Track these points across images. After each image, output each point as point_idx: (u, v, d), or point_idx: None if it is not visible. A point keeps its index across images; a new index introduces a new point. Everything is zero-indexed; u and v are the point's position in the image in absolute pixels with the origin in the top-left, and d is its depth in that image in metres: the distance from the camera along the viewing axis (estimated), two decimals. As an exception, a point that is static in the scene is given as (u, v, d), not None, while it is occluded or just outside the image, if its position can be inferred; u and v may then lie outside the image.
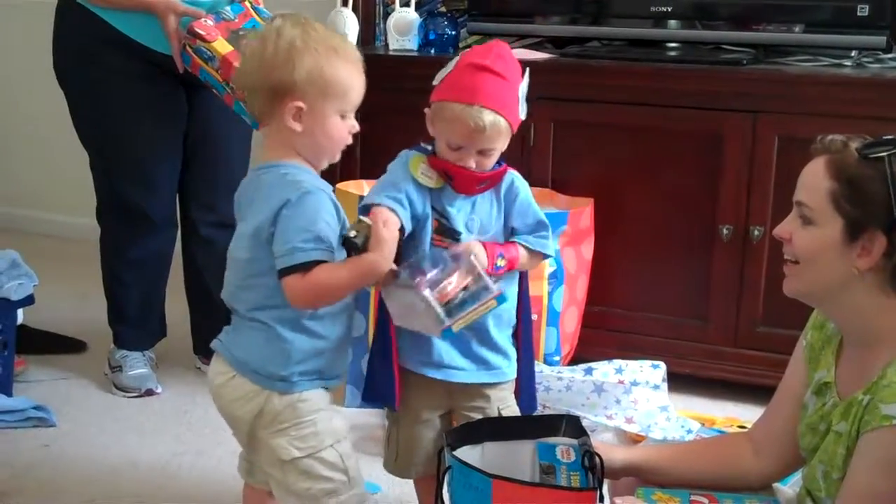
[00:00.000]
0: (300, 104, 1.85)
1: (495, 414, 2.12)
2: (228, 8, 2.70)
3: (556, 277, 2.87)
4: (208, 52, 2.62)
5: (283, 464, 1.93)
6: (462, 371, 2.09)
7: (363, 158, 3.08)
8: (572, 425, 2.02)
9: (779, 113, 2.85)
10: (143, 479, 2.60)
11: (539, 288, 2.85)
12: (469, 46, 3.49)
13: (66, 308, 3.72)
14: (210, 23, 2.63)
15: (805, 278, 1.70)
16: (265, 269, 1.86)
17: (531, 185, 3.04)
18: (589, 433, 2.03)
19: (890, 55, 3.04)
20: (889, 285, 1.63)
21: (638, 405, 2.69)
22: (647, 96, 3.00)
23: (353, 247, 1.84)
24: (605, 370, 2.77)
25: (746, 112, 2.87)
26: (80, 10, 2.81)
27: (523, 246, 2.08)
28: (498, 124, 1.97)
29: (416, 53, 3.38)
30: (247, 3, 2.72)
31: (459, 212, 2.05)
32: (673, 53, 3.20)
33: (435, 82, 2.04)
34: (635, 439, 2.68)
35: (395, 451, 2.18)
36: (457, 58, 2.04)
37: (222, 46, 2.61)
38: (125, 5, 2.76)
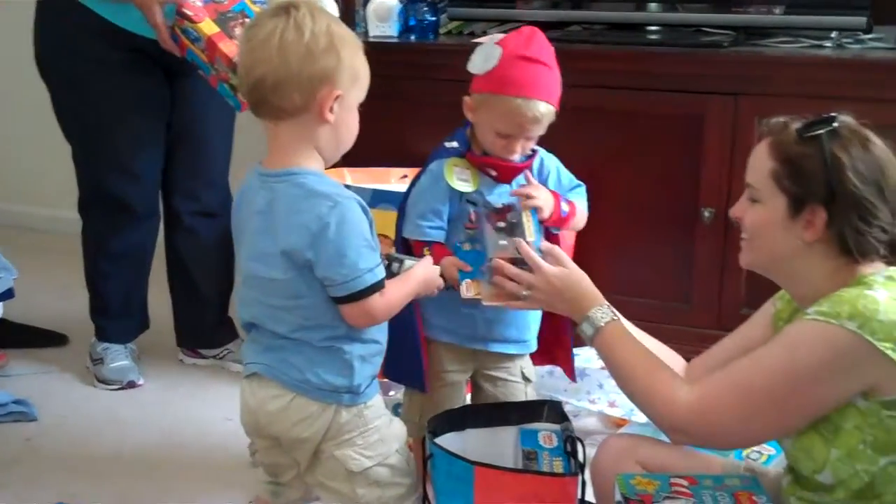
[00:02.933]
0: (340, 92, 1.77)
1: (519, 376, 2.21)
2: None
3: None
4: (195, 33, 2.60)
5: (351, 476, 1.86)
6: (495, 343, 2.16)
7: (344, 146, 3.08)
8: (554, 411, 2.02)
9: (760, 95, 2.84)
10: (127, 472, 2.59)
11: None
12: (450, 32, 3.49)
13: (47, 301, 3.71)
14: (199, 3, 2.61)
15: (756, 251, 1.78)
16: (303, 290, 1.78)
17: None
18: (571, 418, 2.03)
19: (870, 36, 3.03)
20: (835, 252, 1.69)
21: (621, 389, 2.69)
22: (628, 80, 2.98)
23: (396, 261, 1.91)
24: (587, 355, 2.76)
25: (727, 94, 2.86)
26: None
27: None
28: (551, 113, 2.06)
29: (396, 40, 3.36)
30: None
31: (500, 198, 2.12)
32: (654, 37, 3.19)
33: (475, 71, 2.08)
34: (618, 423, 2.68)
35: (419, 412, 2.18)
36: (494, 47, 2.06)
37: (209, 27, 2.58)
38: None
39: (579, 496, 1.83)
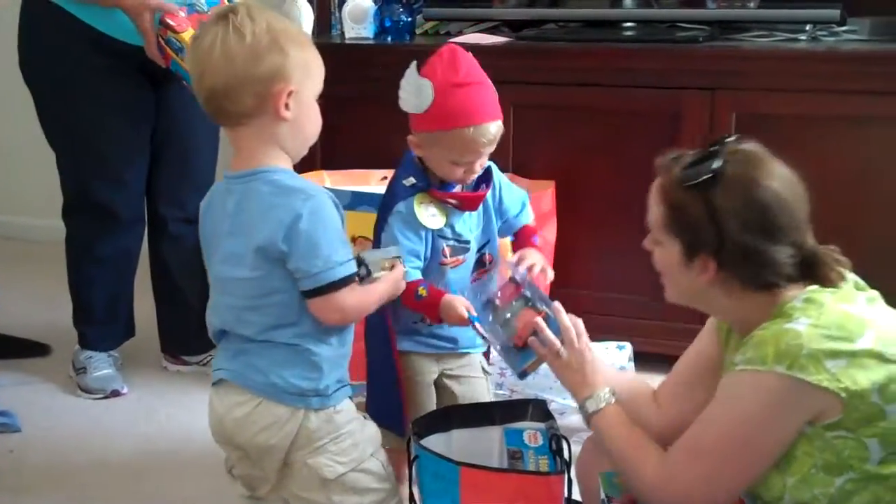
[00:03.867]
0: (293, 87, 1.75)
1: (479, 371, 2.27)
2: (203, 1, 2.69)
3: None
4: (178, 43, 2.60)
5: (326, 483, 1.83)
6: (453, 344, 2.22)
7: (323, 148, 3.07)
8: (539, 409, 2.02)
9: (736, 89, 2.85)
10: (112, 482, 2.58)
11: (507, 268, 2.85)
12: (426, 33, 3.50)
13: (29, 311, 3.69)
14: (183, 14, 2.62)
15: (671, 288, 1.81)
16: (275, 287, 1.76)
17: (491, 169, 3.07)
18: (556, 416, 2.03)
19: (844, 28, 3.05)
20: (741, 287, 1.70)
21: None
22: (604, 77, 3.00)
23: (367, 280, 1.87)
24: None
25: (704, 89, 2.87)
26: (47, 4, 2.77)
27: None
28: (501, 129, 2.06)
29: (372, 41, 3.36)
30: None
31: (466, 224, 2.15)
32: (629, 33, 3.20)
33: (410, 110, 2.06)
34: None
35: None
36: (421, 80, 2.04)
37: (191, 38, 2.58)
38: (97, 2, 2.71)
39: (566, 494, 1.84)
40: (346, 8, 3.37)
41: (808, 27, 3.06)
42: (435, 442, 1.94)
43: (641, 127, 2.95)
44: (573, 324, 1.91)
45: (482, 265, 2.21)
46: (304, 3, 3.32)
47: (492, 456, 1.98)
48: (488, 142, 2.04)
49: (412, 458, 1.91)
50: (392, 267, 1.91)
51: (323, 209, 1.75)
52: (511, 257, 2.15)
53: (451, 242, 2.13)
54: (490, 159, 2.13)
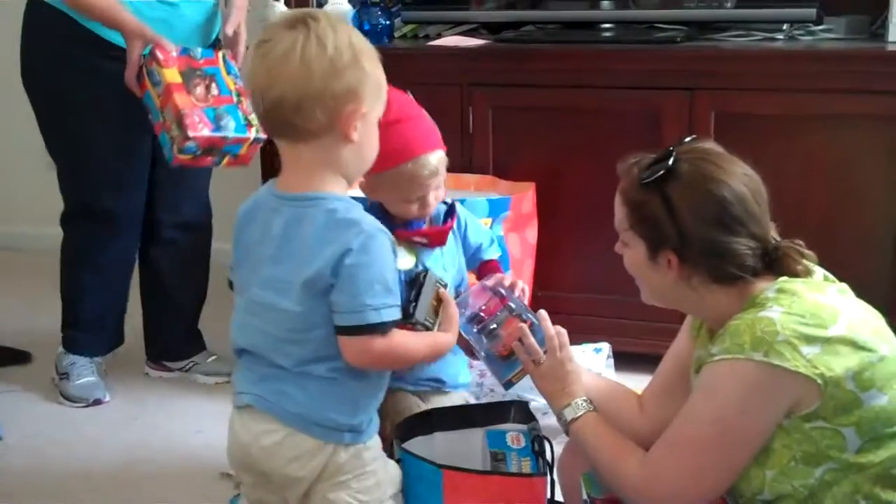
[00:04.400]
0: (364, 109, 1.66)
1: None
2: (199, 49, 2.69)
3: (501, 263, 2.86)
4: (158, 77, 2.59)
5: None
6: (438, 384, 2.19)
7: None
8: (521, 411, 2.02)
9: (714, 89, 2.86)
10: (96, 490, 2.56)
11: (486, 274, 2.85)
12: (405, 36, 3.50)
13: (9, 319, 3.67)
14: (174, 53, 2.61)
15: (645, 289, 1.85)
16: (318, 321, 1.68)
17: (472, 171, 3.08)
18: (539, 416, 2.04)
19: (821, 27, 3.07)
20: (708, 282, 1.73)
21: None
22: (583, 78, 3.00)
23: (424, 328, 1.81)
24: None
25: (682, 89, 2.88)
26: (49, 9, 2.74)
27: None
28: (443, 158, 2.05)
29: (351, 45, 3.36)
30: (220, 53, 2.71)
31: (439, 262, 2.12)
32: (608, 34, 3.21)
33: None
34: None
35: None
36: None
37: (172, 76, 2.58)
38: (96, 17, 2.68)
39: (548, 496, 1.84)
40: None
41: (785, 26, 3.08)
42: (417, 445, 1.94)
43: (621, 128, 2.95)
44: (557, 333, 1.93)
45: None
46: (282, 7, 3.32)
47: (474, 458, 1.98)
48: (430, 173, 2.02)
49: (395, 461, 1.91)
50: (439, 303, 1.85)
51: (373, 248, 1.65)
52: (487, 278, 2.12)
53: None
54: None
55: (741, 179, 1.71)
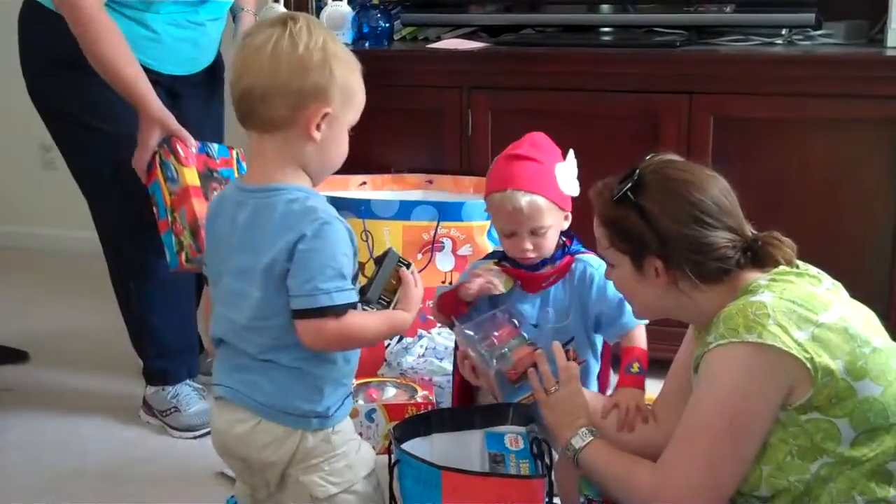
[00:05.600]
0: (329, 110, 1.73)
1: None
2: (216, 146, 2.63)
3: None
4: (174, 173, 2.51)
5: (315, 502, 1.82)
6: None
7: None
8: (519, 413, 2.02)
9: (713, 93, 2.87)
10: (92, 489, 2.56)
11: (483, 277, 2.86)
12: (404, 38, 3.50)
13: (4, 319, 3.66)
14: (194, 150, 2.55)
15: (637, 306, 1.91)
16: (278, 308, 1.73)
17: (471, 174, 3.07)
18: (536, 419, 2.03)
19: (819, 32, 3.08)
20: (696, 282, 1.76)
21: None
22: (582, 82, 3.00)
23: (380, 307, 1.85)
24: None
25: (681, 93, 2.88)
26: (46, 12, 2.61)
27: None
28: (534, 203, 2.13)
29: (350, 47, 3.35)
30: (234, 152, 2.66)
31: (532, 308, 2.23)
32: (607, 38, 3.22)
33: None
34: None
35: None
36: None
37: (191, 177, 2.50)
38: (120, 88, 2.55)
39: (546, 498, 1.84)
40: (324, 14, 3.37)
41: (783, 31, 3.08)
42: (416, 446, 1.94)
43: (620, 132, 2.95)
44: (569, 365, 2.01)
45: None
46: (282, 9, 3.31)
47: (473, 460, 1.98)
48: (514, 210, 2.13)
49: (393, 462, 1.91)
50: (398, 282, 1.87)
51: (327, 233, 1.70)
52: (502, 310, 2.18)
53: (512, 319, 2.17)
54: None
55: (706, 178, 1.78)
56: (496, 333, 2.10)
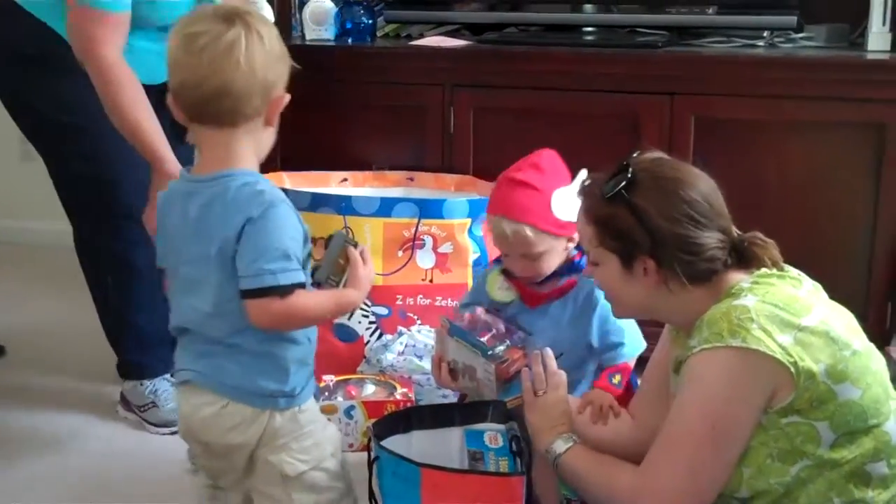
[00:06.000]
0: (287, 96, 1.82)
1: None
2: None
3: (479, 264, 2.87)
4: None
5: (286, 480, 1.84)
6: None
7: (283, 149, 3.06)
8: (499, 411, 2.03)
9: (695, 94, 2.87)
10: (75, 483, 2.55)
11: (464, 275, 2.86)
12: (387, 35, 3.50)
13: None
14: None
15: (619, 305, 1.90)
16: (233, 293, 1.75)
17: (452, 171, 3.08)
18: (515, 417, 2.04)
19: (801, 35, 3.09)
20: (684, 283, 1.75)
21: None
22: (564, 81, 3.00)
23: (330, 286, 1.85)
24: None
25: (663, 94, 2.89)
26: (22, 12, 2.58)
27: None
28: (520, 233, 2.16)
29: (333, 43, 3.36)
30: None
31: (531, 325, 2.24)
32: (589, 38, 3.22)
33: None
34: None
35: None
36: None
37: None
38: (137, 140, 2.49)
39: (525, 495, 1.84)
40: (307, 9, 3.37)
41: (765, 34, 3.09)
42: (395, 443, 1.94)
43: (601, 131, 2.96)
44: (558, 372, 2.03)
45: None
46: (264, 4, 3.30)
47: (452, 457, 1.98)
48: (499, 236, 2.19)
49: (372, 458, 1.91)
50: (346, 262, 1.88)
51: (275, 217, 1.74)
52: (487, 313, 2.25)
53: (507, 324, 2.24)
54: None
55: (697, 177, 1.78)
56: (490, 334, 2.16)
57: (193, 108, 1.77)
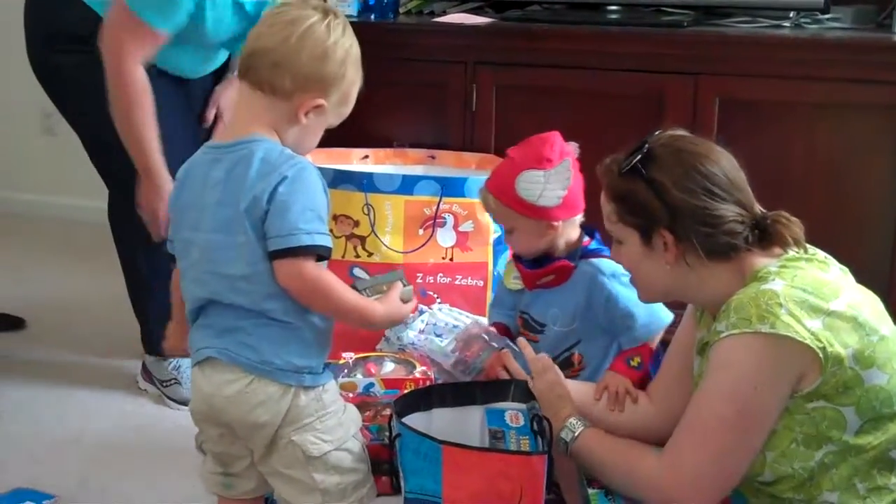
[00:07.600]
0: (324, 102, 1.80)
1: None
2: None
3: (500, 243, 2.87)
4: None
5: (310, 461, 1.83)
6: None
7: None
8: (520, 390, 2.02)
9: (719, 75, 2.85)
10: (89, 457, 2.56)
11: (484, 254, 2.85)
12: (409, 11, 3.48)
13: (2, 285, 3.66)
14: None
15: (643, 287, 1.90)
16: (262, 253, 1.74)
17: (473, 150, 3.06)
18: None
19: (827, 16, 3.06)
20: (704, 258, 1.75)
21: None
22: (588, 60, 2.99)
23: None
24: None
25: (687, 74, 2.87)
26: None
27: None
28: (488, 202, 2.27)
29: (356, 18, 3.34)
30: None
31: (536, 307, 2.30)
32: (614, 16, 3.20)
33: None
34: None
35: None
36: None
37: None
38: (135, 150, 2.52)
39: (546, 474, 1.84)
40: (330, -15, 3.35)
41: (791, 14, 3.07)
42: (416, 421, 1.94)
43: (624, 110, 2.94)
44: (539, 357, 2.05)
45: (570, 364, 2.25)
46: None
47: (473, 435, 1.98)
48: (485, 205, 2.30)
49: (394, 436, 1.91)
50: (389, 288, 1.89)
51: (306, 178, 1.75)
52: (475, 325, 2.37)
53: (524, 315, 2.32)
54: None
55: (716, 152, 1.78)
56: (468, 353, 2.24)
57: (244, 59, 1.81)
